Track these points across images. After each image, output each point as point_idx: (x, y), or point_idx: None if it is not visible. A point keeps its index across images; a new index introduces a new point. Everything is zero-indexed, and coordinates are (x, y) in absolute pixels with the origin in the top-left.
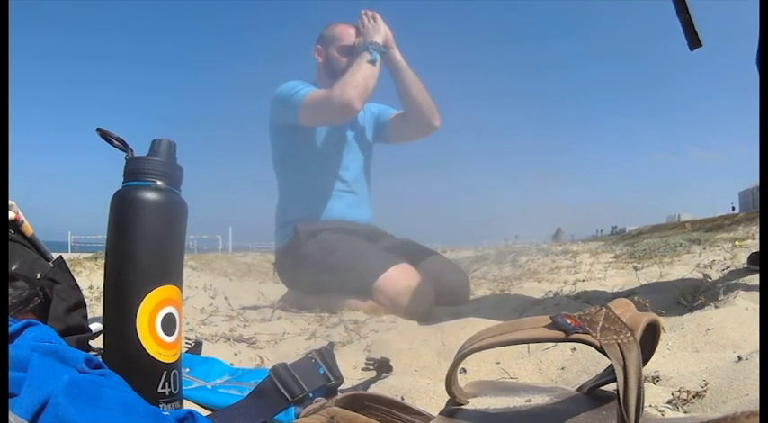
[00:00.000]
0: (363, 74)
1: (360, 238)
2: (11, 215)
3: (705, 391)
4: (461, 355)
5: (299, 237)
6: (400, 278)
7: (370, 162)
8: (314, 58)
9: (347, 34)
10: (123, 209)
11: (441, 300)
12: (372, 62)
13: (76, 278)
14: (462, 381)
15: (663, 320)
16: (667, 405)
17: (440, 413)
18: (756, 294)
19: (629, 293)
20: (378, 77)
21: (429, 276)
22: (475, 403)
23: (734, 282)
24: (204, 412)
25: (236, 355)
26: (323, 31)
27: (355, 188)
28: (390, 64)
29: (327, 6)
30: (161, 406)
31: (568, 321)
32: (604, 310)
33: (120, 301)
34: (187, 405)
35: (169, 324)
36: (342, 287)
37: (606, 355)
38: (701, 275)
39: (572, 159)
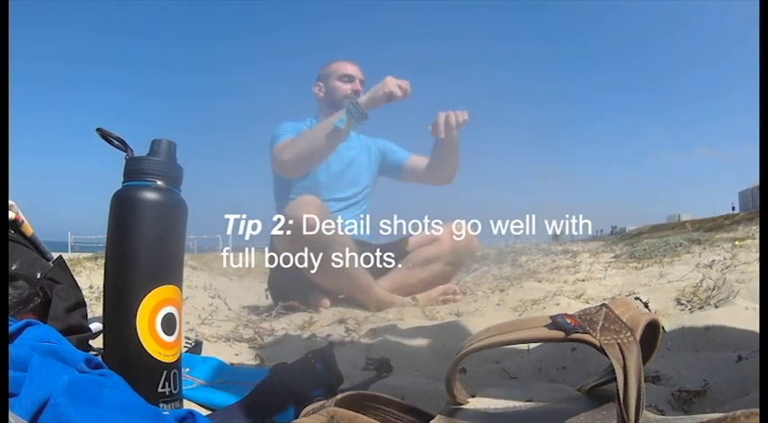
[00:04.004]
0: (314, 142)
1: None
2: (11, 215)
3: (705, 391)
4: (461, 355)
5: None
6: None
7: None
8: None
9: (347, 66)
10: (123, 209)
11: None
12: (337, 128)
13: (76, 278)
14: (462, 381)
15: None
16: (667, 405)
17: (440, 413)
18: (756, 294)
19: (629, 293)
20: (333, 148)
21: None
22: (475, 403)
23: (734, 282)
24: (204, 412)
25: (236, 355)
26: (320, 70)
27: None
28: (445, 138)
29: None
30: (161, 406)
31: (568, 321)
32: (604, 309)
33: (120, 301)
34: (187, 405)
35: (169, 324)
36: None
37: (606, 354)
38: (701, 275)
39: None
